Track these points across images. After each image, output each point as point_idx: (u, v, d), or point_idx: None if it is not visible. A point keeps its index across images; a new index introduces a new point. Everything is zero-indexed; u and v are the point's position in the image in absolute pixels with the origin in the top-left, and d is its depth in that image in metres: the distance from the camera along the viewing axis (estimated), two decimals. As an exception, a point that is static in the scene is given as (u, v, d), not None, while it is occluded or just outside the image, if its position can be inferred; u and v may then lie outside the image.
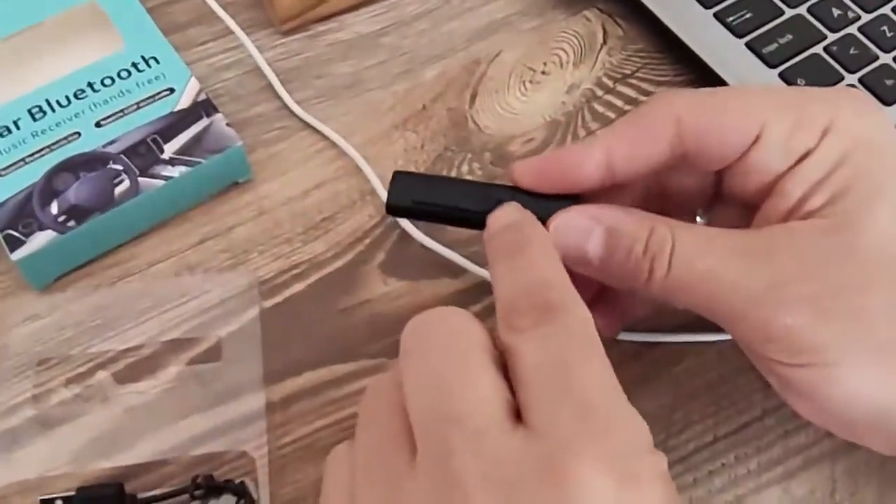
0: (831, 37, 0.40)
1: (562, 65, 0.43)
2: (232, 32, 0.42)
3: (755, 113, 0.27)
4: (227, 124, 0.37)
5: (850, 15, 0.41)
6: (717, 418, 0.33)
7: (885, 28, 0.40)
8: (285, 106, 0.41)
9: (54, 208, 0.35)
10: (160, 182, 0.36)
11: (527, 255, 0.25)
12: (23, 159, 0.36)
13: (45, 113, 0.37)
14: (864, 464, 0.32)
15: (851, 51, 0.40)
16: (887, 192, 0.25)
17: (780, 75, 0.39)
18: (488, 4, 0.45)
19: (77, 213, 0.35)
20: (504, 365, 0.24)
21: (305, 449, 0.32)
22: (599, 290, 0.31)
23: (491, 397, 0.22)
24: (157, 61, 0.39)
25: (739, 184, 0.28)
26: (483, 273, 0.36)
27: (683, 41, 0.41)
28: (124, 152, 0.36)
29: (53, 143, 0.36)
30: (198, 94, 0.38)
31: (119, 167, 0.36)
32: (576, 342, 0.23)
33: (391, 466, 0.23)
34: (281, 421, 0.33)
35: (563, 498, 0.20)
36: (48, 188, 0.35)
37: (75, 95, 0.38)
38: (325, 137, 0.40)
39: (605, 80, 0.42)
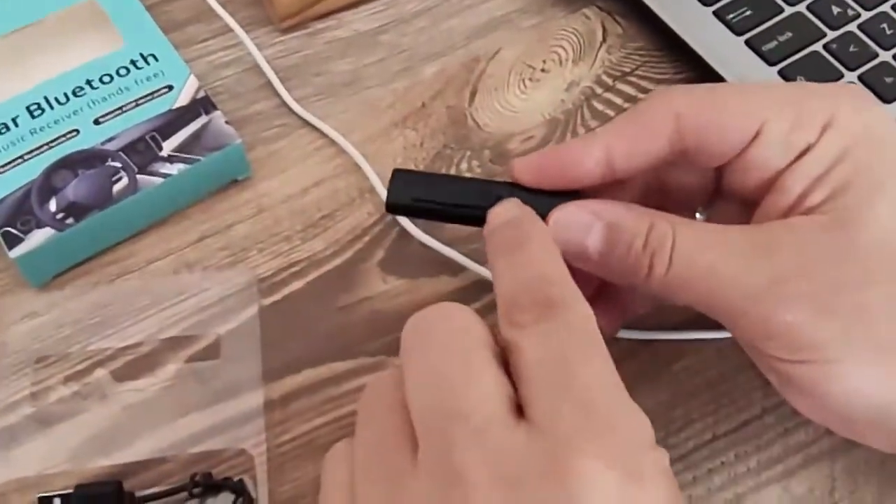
0: (831, 34, 0.40)
1: (561, 62, 0.43)
2: (231, 30, 0.42)
3: (755, 109, 0.27)
4: (226, 122, 0.37)
5: (850, 12, 0.41)
6: (716, 416, 0.33)
7: (884, 26, 0.40)
8: (284, 103, 0.41)
9: (53, 206, 0.35)
10: (159, 179, 0.36)
11: (527, 251, 0.25)
12: (21, 156, 0.36)
13: (43, 110, 0.37)
14: (864, 462, 0.32)
15: (851, 48, 0.40)
16: (887, 187, 0.25)
17: (780, 73, 0.39)
18: (488, 2, 0.45)
19: (76, 210, 0.35)
20: (505, 361, 0.24)
21: (304, 447, 0.32)
22: (599, 288, 0.31)
23: (493, 393, 0.22)
24: (156, 59, 0.39)
25: (739, 180, 0.28)
26: (482, 271, 0.36)
27: (683, 39, 0.41)
28: (123, 150, 0.36)
29: (52, 141, 0.36)
30: (197, 91, 0.38)
31: (118, 164, 0.36)
32: (577, 338, 0.23)
33: (392, 464, 0.23)
34: (280, 419, 0.33)
35: (566, 493, 0.20)
36: (47, 185, 0.35)
37: (74, 93, 0.38)
38: (324, 135, 0.40)
39: (604, 77, 0.42)
